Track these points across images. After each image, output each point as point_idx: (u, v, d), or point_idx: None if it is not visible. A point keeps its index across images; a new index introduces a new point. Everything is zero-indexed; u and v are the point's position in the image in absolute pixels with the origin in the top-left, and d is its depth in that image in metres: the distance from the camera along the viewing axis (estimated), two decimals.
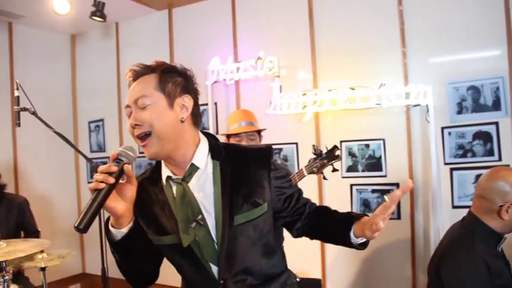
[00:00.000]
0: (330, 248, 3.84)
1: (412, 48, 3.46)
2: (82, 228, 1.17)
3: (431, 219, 3.38)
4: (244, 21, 4.21)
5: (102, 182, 1.20)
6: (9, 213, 3.45)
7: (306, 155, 3.82)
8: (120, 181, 1.28)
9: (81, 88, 5.28)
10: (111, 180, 1.22)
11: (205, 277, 1.41)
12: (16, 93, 2.93)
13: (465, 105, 3.30)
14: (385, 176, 3.60)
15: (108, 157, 5.04)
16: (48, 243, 2.82)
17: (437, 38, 3.38)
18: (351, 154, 3.72)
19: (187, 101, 1.39)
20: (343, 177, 3.75)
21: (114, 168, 1.24)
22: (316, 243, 3.86)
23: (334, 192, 3.81)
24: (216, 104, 4.30)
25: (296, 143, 3.95)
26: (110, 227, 1.34)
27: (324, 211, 1.58)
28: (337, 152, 2.39)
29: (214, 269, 1.40)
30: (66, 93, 5.23)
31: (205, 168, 1.42)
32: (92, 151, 5.16)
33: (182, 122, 1.37)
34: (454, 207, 3.31)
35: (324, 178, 2.46)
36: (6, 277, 2.64)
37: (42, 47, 4.95)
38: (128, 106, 1.37)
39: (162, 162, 1.46)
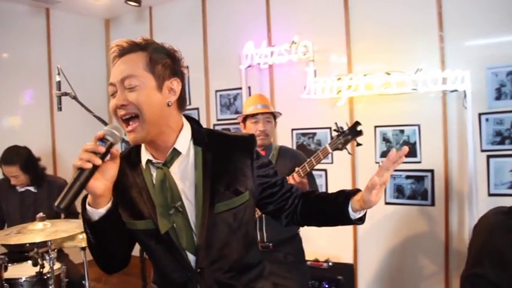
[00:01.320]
0: (362, 232, 3.87)
1: (450, 32, 3.40)
2: (62, 207, 1.14)
3: (467, 206, 3.36)
4: (278, 5, 4.19)
5: (88, 161, 1.16)
6: (50, 195, 3.56)
7: None
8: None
9: None
10: (98, 161, 1.17)
11: (181, 265, 1.36)
12: (57, 78, 3.01)
13: (504, 91, 3.23)
14: (419, 162, 3.58)
15: None
16: None
17: (475, 21, 3.29)
18: (385, 139, 3.71)
19: (175, 84, 1.35)
20: (377, 163, 3.75)
21: (102, 149, 1.19)
22: (349, 227, 3.89)
23: (368, 177, 3.72)
24: (249, 88, 4.32)
25: (330, 128, 3.94)
26: (87, 206, 1.26)
27: (313, 194, 1.56)
28: (359, 128, 2.41)
29: (191, 257, 1.36)
30: (101, 76, 5.33)
31: (187, 154, 1.38)
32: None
33: (169, 106, 1.33)
34: (490, 195, 3.28)
35: (349, 153, 2.51)
36: (52, 255, 2.76)
37: (78, 32, 5.06)
38: (112, 84, 1.30)
39: (142, 145, 1.41)
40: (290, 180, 2.42)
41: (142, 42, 1.34)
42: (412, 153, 3.60)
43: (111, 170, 1.24)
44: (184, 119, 1.42)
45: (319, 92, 3.75)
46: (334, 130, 2.49)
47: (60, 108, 2.99)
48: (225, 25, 4.50)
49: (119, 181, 1.30)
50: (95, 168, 1.18)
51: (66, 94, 2.97)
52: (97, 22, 5.31)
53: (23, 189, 3.50)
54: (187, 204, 1.35)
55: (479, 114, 3.30)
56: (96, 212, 1.25)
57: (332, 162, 3.89)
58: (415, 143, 3.58)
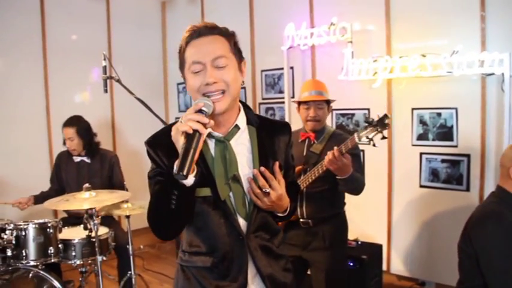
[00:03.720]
0: (396, 213, 3.90)
1: (492, 12, 3.27)
2: (185, 173, 1.23)
3: None
4: None
5: (195, 129, 1.27)
6: (102, 167, 3.92)
7: None
8: None
9: (171, 52, 5.63)
10: (204, 130, 1.29)
11: (234, 229, 1.48)
12: (103, 63, 3.31)
13: None
14: (456, 146, 3.53)
15: None
16: (129, 195, 3.27)
17: None
18: (422, 122, 3.68)
19: (244, 66, 1.51)
20: (413, 145, 3.74)
21: (206, 119, 1.29)
22: (383, 209, 3.94)
23: (403, 160, 3.82)
24: (292, 68, 4.42)
25: (368, 109, 3.95)
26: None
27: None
28: (387, 121, 2.40)
29: (242, 222, 1.49)
30: (157, 57, 5.64)
31: (243, 131, 1.53)
32: (180, 111, 5.59)
33: (242, 85, 1.50)
34: None
35: (374, 145, 2.50)
36: (96, 221, 3.10)
37: (136, 15, 5.36)
38: (199, 62, 1.39)
39: None
40: (329, 155, 2.44)
41: (223, 28, 1.47)
42: (449, 137, 3.55)
43: (201, 140, 1.33)
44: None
45: (356, 74, 3.77)
46: (364, 121, 2.54)
47: (106, 90, 3.30)
48: (270, 6, 4.59)
49: (172, 150, 1.37)
50: (200, 135, 1.29)
51: (111, 77, 3.27)
52: (154, 4, 5.59)
53: (78, 160, 3.87)
54: (242, 177, 1.49)
55: None
56: (189, 179, 1.33)
57: (369, 143, 3.92)
58: (451, 126, 3.52)
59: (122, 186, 3.95)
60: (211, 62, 1.39)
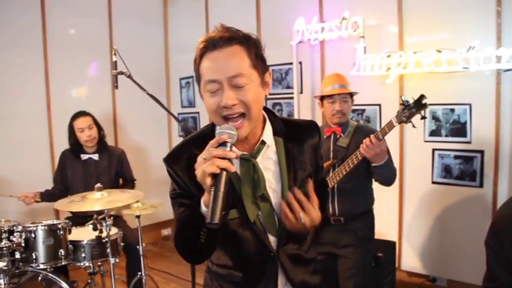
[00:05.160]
0: (407, 210, 3.88)
1: (508, 7, 3.23)
2: (218, 221, 1.12)
3: None
4: None
5: (223, 169, 1.14)
6: (110, 164, 3.87)
7: (390, 117, 3.80)
8: None
9: (173, 47, 5.55)
10: (233, 168, 1.16)
11: (264, 247, 1.41)
12: (114, 59, 3.20)
13: None
14: (469, 143, 3.50)
15: (197, 112, 5.36)
16: (142, 195, 3.17)
17: None
18: (435, 118, 3.64)
19: (268, 77, 1.36)
20: (426, 141, 3.71)
21: (233, 154, 1.16)
22: (394, 205, 3.91)
23: (416, 156, 3.79)
24: (300, 63, 4.35)
25: (379, 105, 3.92)
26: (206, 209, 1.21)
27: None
28: (424, 101, 2.43)
29: (272, 238, 1.42)
30: (159, 52, 5.55)
31: (271, 146, 1.41)
32: (182, 106, 5.50)
33: (265, 99, 1.42)
34: None
35: (413, 126, 2.55)
36: (108, 222, 3.03)
37: (137, 8, 5.26)
38: (215, 81, 1.25)
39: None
40: (367, 141, 2.48)
41: (242, 35, 1.29)
42: (462, 133, 3.52)
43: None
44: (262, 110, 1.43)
45: (368, 69, 3.73)
46: (400, 104, 2.53)
47: (116, 87, 3.19)
48: (277, 0, 4.52)
49: (193, 165, 1.25)
50: (228, 173, 1.16)
51: (121, 73, 3.16)
52: None
53: (86, 158, 3.80)
54: (270, 192, 1.39)
55: None
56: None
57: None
58: (465, 122, 3.50)
59: (132, 182, 3.90)
60: (228, 81, 1.24)
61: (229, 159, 1.16)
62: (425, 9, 3.61)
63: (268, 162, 1.41)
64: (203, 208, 1.23)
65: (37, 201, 3.65)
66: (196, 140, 1.41)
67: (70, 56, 4.63)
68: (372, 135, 2.50)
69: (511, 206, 2.17)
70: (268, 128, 1.42)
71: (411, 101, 2.47)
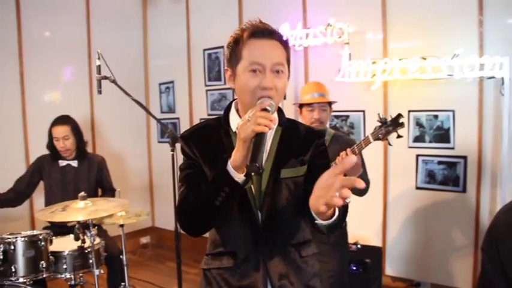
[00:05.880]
0: (392, 215, 3.90)
1: (490, 16, 3.30)
2: (260, 165, 1.24)
3: (499, 195, 3.33)
4: None
5: (266, 125, 1.26)
6: (90, 171, 3.74)
7: (374, 123, 3.83)
8: None
9: (152, 51, 5.46)
10: (273, 127, 1.31)
11: (252, 224, 1.47)
12: (97, 63, 3.11)
13: None
14: (452, 148, 3.55)
15: (177, 118, 5.27)
16: (128, 203, 3.06)
17: None
18: (419, 124, 3.69)
19: (289, 73, 1.51)
20: (410, 147, 3.74)
21: (273, 117, 1.31)
22: (378, 211, 3.93)
23: (400, 161, 3.82)
24: None
25: (363, 111, 3.94)
26: (235, 171, 1.32)
27: None
28: (401, 120, 2.46)
29: (261, 218, 1.48)
30: (138, 55, 5.43)
31: (272, 129, 1.46)
32: (162, 112, 5.39)
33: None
34: None
35: (389, 144, 2.58)
36: (93, 232, 2.92)
37: (116, 11, 5.14)
38: (260, 64, 1.39)
39: (232, 112, 1.55)
40: (342, 155, 2.53)
41: (278, 33, 1.46)
42: (446, 139, 3.57)
43: None
44: None
45: (354, 76, 3.74)
46: (377, 121, 2.54)
47: (100, 92, 3.10)
48: (260, 6, 4.48)
49: (207, 146, 1.48)
50: (266, 134, 1.29)
51: (106, 78, 3.08)
52: (135, 1, 5.38)
53: (64, 164, 3.66)
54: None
55: None
56: (241, 177, 1.33)
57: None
58: (448, 128, 3.55)
59: (112, 192, 3.78)
60: (271, 66, 1.40)
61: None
62: (409, 16, 3.65)
63: (266, 142, 1.48)
64: (230, 168, 1.32)
65: None
66: (209, 124, 1.59)
67: (46, 59, 4.48)
68: (348, 150, 2.56)
69: (509, 213, 2.19)
70: (275, 116, 1.48)
71: (389, 119, 2.49)
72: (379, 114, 2.55)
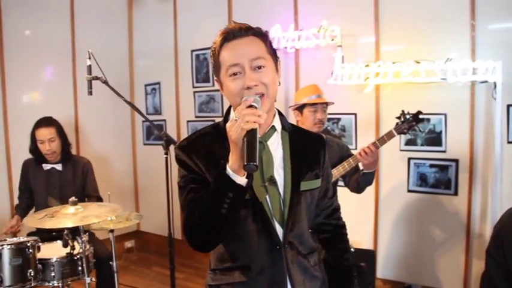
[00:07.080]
0: (383, 219, 3.90)
1: (481, 21, 3.33)
2: (256, 163, 1.18)
3: (490, 198, 3.37)
4: None
5: (255, 122, 1.22)
6: (75, 174, 3.63)
7: (365, 126, 3.86)
8: None
9: (138, 51, 5.35)
10: (261, 121, 1.25)
11: (267, 238, 1.42)
12: (88, 62, 3.03)
13: None
14: (444, 152, 3.57)
15: (163, 120, 5.17)
16: (120, 208, 2.96)
17: (509, 11, 3.23)
18: None
19: (279, 66, 1.47)
20: (401, 150, 3.75)
21: (260, 112, 1.26)
22: (370, 214, 3.92)
23: (392, 164, 3.82)
24: None
25: (355, 114, 3.93)
26: (234, 174, 1.26)
27: (334, 259, 1.70)
28: (421, 116, 2.80)
29: (279, 229, 1.43)
30: (123, 56, 5.32)
31: (279, 133, 1.49)
32: (148, 113, 5.26)
33: (279, 85, 1.44)
34: None
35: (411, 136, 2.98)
36: (84, 238, 2.83)
37: (101, 10, 5.02)
38: (237, 65, 1.35)
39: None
40: (365, 149, 2.75)
41: (256, 28, 1.42)
42: (437, 142, 3.59)
43: None
44: None
45: (346, 78, 3.73)
46: (397, 118, 2.84)
47: (90, 93, 3.02)
48: (250, 6, 4.43)
49: (209, 153, 1.41)
50: (257, 130, 1.24)
51: (97, 78, 2.99)
52: (120, 1, 5.27)
53: (48, 167, 3.56)
54: (277, 177, 1.44)
55: (508, 106, 3.27)
56: (243, 180, 1.27)
57: (356, 148, 3.90)
58: (440, 132, 3.57)
59: (96, 196, 3.66)
60: (249, 64, 1.35)
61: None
62: (401, 20, 3.65)
63: (277, 150, 1.48)
64: (230, 172, 1.26)
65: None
66: (208, 131, 1.51)
67: (29, 58, 4.35)
68: (370, 144, 2.76)
69: None
70: (277, 117, 1.51)
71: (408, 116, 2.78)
72: (403, 110, 2.83)
